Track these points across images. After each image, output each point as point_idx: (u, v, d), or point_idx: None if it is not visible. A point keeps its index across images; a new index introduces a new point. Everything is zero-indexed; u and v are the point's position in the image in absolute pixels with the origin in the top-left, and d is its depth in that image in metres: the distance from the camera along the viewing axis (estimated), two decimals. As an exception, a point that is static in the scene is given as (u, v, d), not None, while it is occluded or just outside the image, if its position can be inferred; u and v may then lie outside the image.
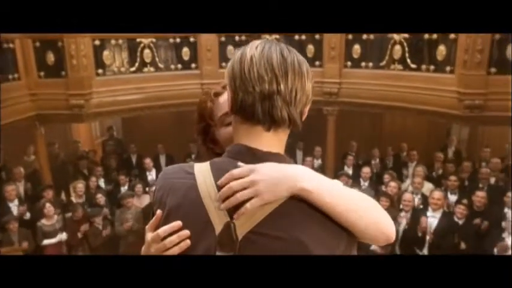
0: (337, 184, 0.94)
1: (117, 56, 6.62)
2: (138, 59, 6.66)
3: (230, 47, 7.01)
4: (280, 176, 0.88)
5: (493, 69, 5.66)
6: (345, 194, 0.92)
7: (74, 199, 6.32)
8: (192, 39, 6.82)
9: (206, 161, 1.01)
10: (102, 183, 7.02)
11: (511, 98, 4.85)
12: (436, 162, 7.05)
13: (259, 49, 0.92)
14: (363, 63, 6.76)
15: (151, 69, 6.77)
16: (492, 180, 6.37)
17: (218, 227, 0.89)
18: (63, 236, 5.66)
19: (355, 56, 6.77)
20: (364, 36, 6.65)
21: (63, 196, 7.42)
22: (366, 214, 0.91)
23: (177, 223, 0.92)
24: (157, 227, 0.97)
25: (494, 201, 5.58)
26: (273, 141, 0.95)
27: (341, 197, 0.90)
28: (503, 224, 5.10)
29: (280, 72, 0.90)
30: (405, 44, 6.28)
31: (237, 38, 6.94)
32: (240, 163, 0.92)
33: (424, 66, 6.24)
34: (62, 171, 7.50)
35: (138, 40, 6.56)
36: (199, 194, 0.92)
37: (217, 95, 1.22)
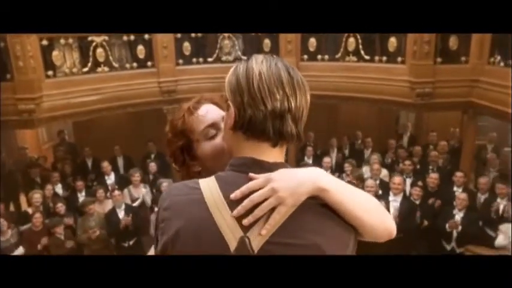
0: (345, 183, 0.97)
1: (68, 56, 6.22)
2: (91, 59, 6.30)
3: (186, 44, 6.87)
4: (298, 180, 0.89)
5: (438, 59, 6.08)
6: (354, 193, 0.95)
7: (30, 210, 5.91)
8: (146, 37, 6.58)
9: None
10: (58, 190, 6.63)
11: (511, 92, 5.09)
12: (389, 149, 7.45)
13: (266, 65, 0.91)
14: (319, 56, 6.92)
15: (106, 68, 6.45)
16: (440, 162, 6.86)
17: (232, 242, 0.87)
18: (19, 250, 5.31)
19: (311, 49, 6.89)
20: (319, 29, 6.79)
21: (12, 208, 6.95)
22: (374, 212, 0.96)
23: None
24: None
25: (444, 182, 6.05)
26: (277, 154, 0.96)
27: (354, 195, 0.94)
28: (454, 202, 5.53)
29: (290, 91, 0.91)
30: (358, 36, 6.52)
31: (192, 34, 6.81)
32: (252, 174, 0.91)
33: (377, 58, 6.52)
34: (10, 181, 6.99)
35: (89, 39, 6.21)
36: (208, 210, 0.89)
37: (196, 108, 1.16)
